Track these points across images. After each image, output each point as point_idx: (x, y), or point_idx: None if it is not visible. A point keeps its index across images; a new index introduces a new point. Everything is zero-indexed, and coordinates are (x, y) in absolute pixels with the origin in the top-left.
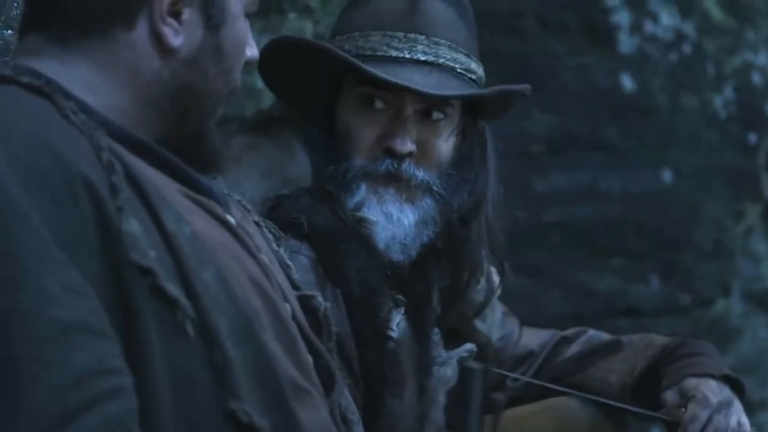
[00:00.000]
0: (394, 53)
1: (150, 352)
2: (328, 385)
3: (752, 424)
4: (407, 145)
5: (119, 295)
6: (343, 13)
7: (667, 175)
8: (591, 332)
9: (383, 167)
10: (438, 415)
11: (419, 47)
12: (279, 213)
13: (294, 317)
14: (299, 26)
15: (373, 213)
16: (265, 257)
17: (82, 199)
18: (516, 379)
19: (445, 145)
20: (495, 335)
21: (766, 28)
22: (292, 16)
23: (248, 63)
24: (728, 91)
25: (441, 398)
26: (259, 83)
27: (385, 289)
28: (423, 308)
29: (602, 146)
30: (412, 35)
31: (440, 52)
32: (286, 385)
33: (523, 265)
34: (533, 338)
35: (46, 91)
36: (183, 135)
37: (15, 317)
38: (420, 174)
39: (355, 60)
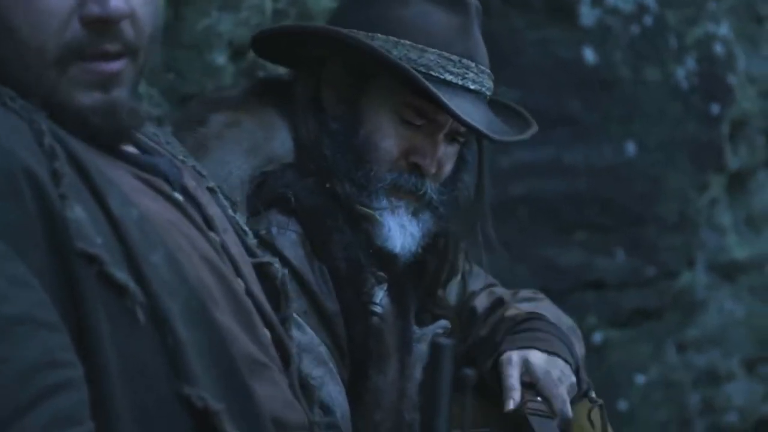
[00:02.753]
0: (448, 77)
1: (101, 340)
2: (284, 357)
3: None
4: (434, 167)
5: (67, 285)
6: (371, 1)
7: (630, 148)
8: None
9: (410, 184)
10: (413, 392)
11: (470, 75)
12: (265, 189)
13: (248, 291)
14: (259, 3)
15: (385, 220)
16: (219, 228)
17: (24, 190)
18: (464, 342)
19: (452, 162)
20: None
21: None
22: None
23: (95, 21)
24: (690, 63)
25: (417, 375)
26: (219, 60)
27: (369, 265)
28: (404, 286)
29: (565, 120)
30: (465, 61)
31: (484, 81)
32: (243, 362)
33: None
34: (483, 300)
35: None
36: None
37: None
38: (431, 191)
39: (431, 87)
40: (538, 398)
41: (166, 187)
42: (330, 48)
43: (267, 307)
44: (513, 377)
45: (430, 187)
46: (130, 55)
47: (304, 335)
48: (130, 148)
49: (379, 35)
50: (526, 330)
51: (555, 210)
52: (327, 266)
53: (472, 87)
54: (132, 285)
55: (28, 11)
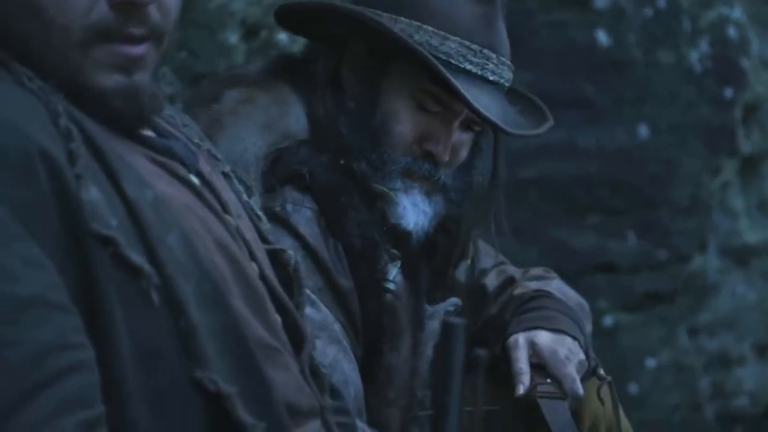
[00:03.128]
0: (468, 66)
1: (114, 323)
2: (297, 342)
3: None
4: (447, 154)
5: (81, 266)
6: None
7: (643, 131)
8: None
9: (423, 170)
10: (425, 369)
11: (490, 66)
12: (280, 166)
13: (262, 276)
14: None
15: (399, 199)
16: (233, 213)
17: (39, 171)
18: (475, 322)
19: (467, 149)
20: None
21: None
22: None
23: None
24: (704, 46)
25: (429, 352)
26: (232, 39)
27: (383, 242)
28: (416, 264)
29: (578, 103)
30: (486, 51)
31: (503, 72)
32: (256, 346)
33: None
34: (493, 278)
35: (1, 59)
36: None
37: None
38: (443, 176)
39: (451, 79)
40: (548, 380)
41: (181, 171)
42: (353, 28)
43: (281, 291)
44: (521, 360)
45: (443, 174)
46: (154, 39)
47: (319, 313)
48: (147, 131)
49: (403, 18)
50: (533, 309)
51: (567, 192)
52: (342, 243)
53: (491, 78)
54: (147, 267)
55: None
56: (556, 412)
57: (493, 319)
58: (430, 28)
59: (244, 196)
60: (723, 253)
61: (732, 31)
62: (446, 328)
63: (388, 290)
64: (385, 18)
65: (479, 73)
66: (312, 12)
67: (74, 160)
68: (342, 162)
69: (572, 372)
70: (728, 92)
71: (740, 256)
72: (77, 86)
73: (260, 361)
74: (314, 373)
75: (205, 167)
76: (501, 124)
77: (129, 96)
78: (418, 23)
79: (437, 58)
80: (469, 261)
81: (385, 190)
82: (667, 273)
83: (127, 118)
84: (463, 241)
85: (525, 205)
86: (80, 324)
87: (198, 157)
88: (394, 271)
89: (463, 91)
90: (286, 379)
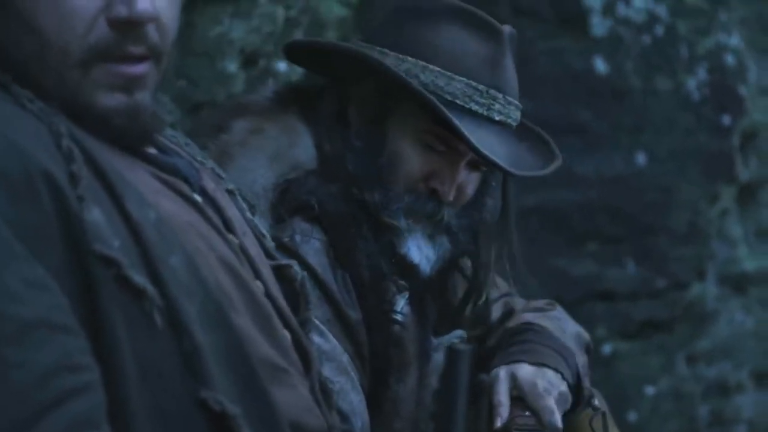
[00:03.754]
0: (474, 107)
1: (117, 343)
2: (305, 361)
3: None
4: (453, 194)
5: (84, 287)
6: (404, 22)
7: (641, 158)
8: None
9: (427, 209)
10: (429, 400)
11: (496, 106)
12: (289, 196)
13: (267, 294)
14: (270, 11)
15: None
16: (237, 230)
17: (42, 192)
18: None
19: (473, 187)
20: None
21: (739, 9)
22: (263, 0)
23: (122, 22)
24: (701, 73)
25: (434, 384)
26: (231, 68)
27: (391, 274)
28: (424, 296)
29: (576, 130)
30: (492, 92)
31: (510, 112)
32: (261, 366)
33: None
34: (497, 310)
35: (1, 81)
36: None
37: None
38: (447, 216)
39: (453, 120)
40: (527, 413)
41: (185, 188)
42: (359, 68)
43: (287, 309)
44: (500, 393)
45: (448, 213)
46: (153, 58)
47: (327, 343)
48: (150, 149)
49: (409, 58)
50: (518, 342)
51: (565, 220)
52: (350, 274)
53: (497, 118)
54: (149, 288)
55: (55, 11)
56: None
57: (489, 351)
58: (437, 69)
59: (248, 213)
60: (721, 280)
61: (730, 59)
62: (451, 353)
63: (395, 321)
64: (392, 57)
65: (485, 113)
66: (319, 51)
67: (76, 182)
68: (354, 190)
69: (550, 404)
70: (726, 119)
71: (738, 283)
72: (78, 106)
73: (265, 381)
74: (323, 391)
75: (209, 184)
76: (506, 167)
77: (130, 115)
78: (424, 63)
79: (442, 99)
80: (484, 298)
81: (394, 222)
82: (665, 301)
83: (129, 136)
84: (475, 282)
85: (523, 233)
86: (85, 345)
87: (201, 174)
88: (401, 303)
89: (467, 132)
90: (292, 398)
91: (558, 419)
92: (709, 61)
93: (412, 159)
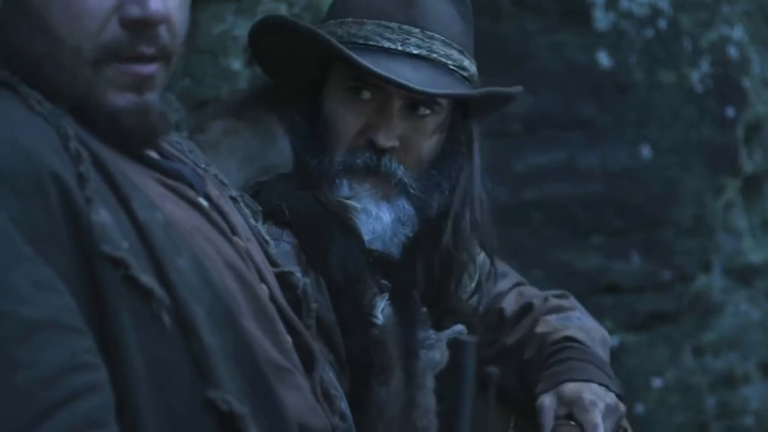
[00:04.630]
0: (386, 44)
1: (125, 344)
2: (308, 363)
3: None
4: (390, 140)
5: (92, 288)
6: None
7: (645, 152)
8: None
9: (362, 160)
10: (425, 400)
11: (412, 40)
12: (260, 200)
13: (272, 297)
14: (274, 8)
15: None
16: (242, 236)
17: (50, 193)
18: (491, 345)
19: (429, 142)
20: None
21: (742, 2)
22: None
23: (134, 22)
24: (705, 66)
25: (429, 383)
26: (235, 65)
27: (367, 275)
28: (407, 293)
29: (580, 124)
30: (406, 27)
31: (434, 46)
32: (268, 367)
33: (505, 244)
34: (512, 301)
35: (10, 82)
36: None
37: None
38: (399, 172)
39: (344, 49)
40: (572, 422)
41: (190, 193)
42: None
43: (290, 313)
44: (546, 427)
45: (396, 167)
46: (164, 59)
47: None
48: (154, 154)
49: (331, 21)
50: (559, 362)
51: (570, 214)
52: (323, 277)
53: (415, 52)
54: (157, 289)
55: (68, 11)
56: None
57: (510, 351)
58: (350, 19)
59: (252, 220)
60: (727, 272)
61: (733, 51)
62: (456, 346)
63: (374, 325)
64: (324, 26)
65: (400, 48)
66: (271, 36)
67: (84, 183)
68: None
69: (596, 419)
70: (730, 112)
71: (744, 275)
72: (88, 106)
73: (272, 382)
74: (325, 394)
75: (213, 191)
76: (400, 81)
77: (140, 114)
78: (342, 19)
79: (354, 44)
80: (474, 283)
81: (346, 202)
82: (671, 293)
83: (137, 136)
84: (449, 250)
85: (528, 227)
86: (93, 345)
87: (205, 180)
88: (381, 305)
89: (371, 64)
90: (298, 399)
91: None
92: (712, 53)
93: (343, 115)
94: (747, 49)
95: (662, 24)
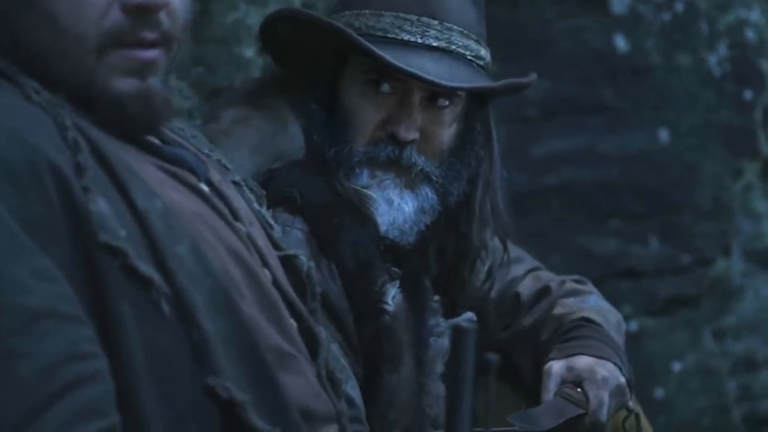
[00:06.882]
0: (405, 37)
1: (125, 332)
2: (312, 348)
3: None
4: (411, 133)
5: (91, 277)
6: None
7: (663, 135)
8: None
9: (385, 153)
10: (436, 387)
11: (431, 32)
12: (271, 187)
13: (275, 282)
14: None
15: (375, 198)
16: (245, 221)
17: (48, 183)
18: (507, 329)
19: (448, 131)
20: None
21: None
22: None
23: (136, 7)
24: (722, 49)
25: (439, 370)
26: (248, 53)
27: (379, 262)
28: (419, 280)
29: (598, 108)
30: (425, 19)
31: (452, 38)
32: (269, 353)
33: (523, 229)
34: (528, 285)
35: (7, 72)
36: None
37: None
38: (420, 162)
39: (367, 44)
40: (578, 389)
41: (191, 179)
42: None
43: (294, 297)
44: (549, 391)
45: (417, 157)
46: (165, 44)
47: None
48: (155, 140)
49: (347, 12)
50: (574, 338)
51: (588, 198)
52: (335, 264)
53: (434, 44)
54: (156, 277)
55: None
56: (555, 405)
57: (526, 332)
58: (367, 11)
59: (255, 204)
60: (747, 256)
61: (750, 34)
62: (456, 332)
63: (385, 312)
64: (347, 17)
65: (419, 40)
66: (281, 28)
67: (82, 173)
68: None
69: (603, 396)
70: (748, 95)
71: (764, 258)
72: (91, 93)
73: (273, 367)
74: (330, 379)
75: (215, 176)
76: (424, 76)
77: (143, 99)
78: (359, 11)
79: (373, 36)
80: (486, 267)
81: (359, 189)
82: (690, 277)
83: (140, 122)
84: (466, 236)
85: (547, 212)
86: (93, 334)
87: (208, 166)
88: (392, 292)
89: (392, 58)
90: (301, 384)
91: (604, 414)
92: (729, 36)
93: (363, 107)
94: (765, 31)
95: (679, 7)
